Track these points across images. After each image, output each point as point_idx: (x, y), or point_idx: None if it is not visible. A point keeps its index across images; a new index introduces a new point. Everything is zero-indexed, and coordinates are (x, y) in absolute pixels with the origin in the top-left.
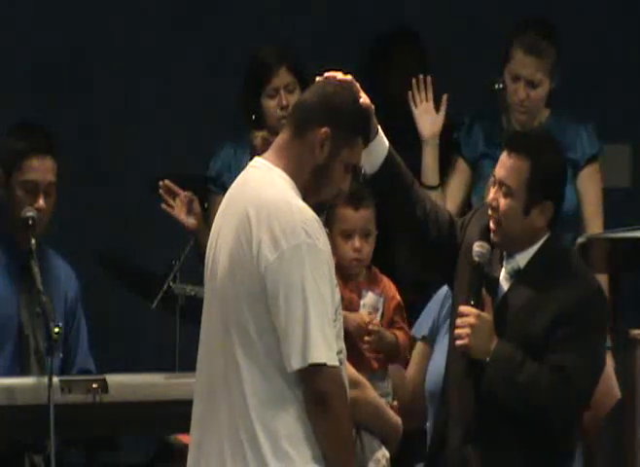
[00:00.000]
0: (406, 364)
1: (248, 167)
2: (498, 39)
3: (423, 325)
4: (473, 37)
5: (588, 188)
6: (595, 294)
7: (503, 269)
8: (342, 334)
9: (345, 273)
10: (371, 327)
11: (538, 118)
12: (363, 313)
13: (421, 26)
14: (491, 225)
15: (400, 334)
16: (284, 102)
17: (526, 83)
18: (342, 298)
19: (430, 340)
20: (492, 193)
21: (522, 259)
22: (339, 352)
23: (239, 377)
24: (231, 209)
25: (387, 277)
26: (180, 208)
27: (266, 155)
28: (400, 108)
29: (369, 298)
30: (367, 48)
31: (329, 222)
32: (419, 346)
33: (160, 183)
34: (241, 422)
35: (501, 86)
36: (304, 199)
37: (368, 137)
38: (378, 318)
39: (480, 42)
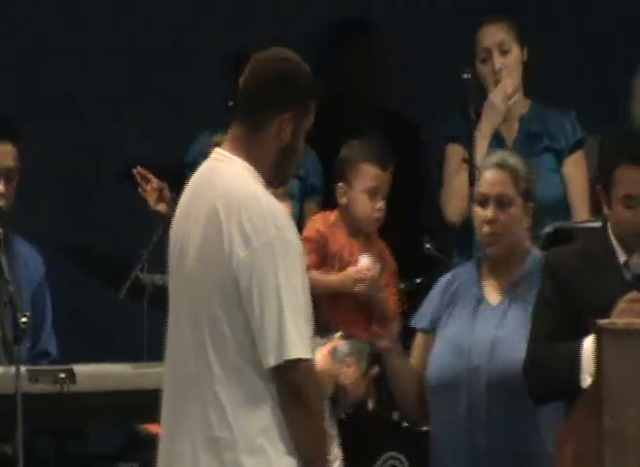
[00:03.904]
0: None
1: (210, 159)
2: (464, 35)
3: (424, 316)
4: (439, 31)
5: (575, 175)
6: None
7: None
8: (312, 318)
9: (356, 230)
10: (364, 276)
11: (520, 109)
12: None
13: (386, 21)
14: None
15: (392, 299)
16: None
17: (497, 51)
18: (341, 257)
19: (431, 331)
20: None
21: None
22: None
23: (211, 374)
24: (197, 203)
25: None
26: (151, 195)
27: (226, 145)
28: (352, 94)
29: (365, 262)
30: (324, 36)
31: (348, 176)
32: (420, 337)
33: (134, 170)
34: (215, 419)
35: (469, 75)
36: (271, 183)
37: (317, 97)
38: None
39: (446, 37)
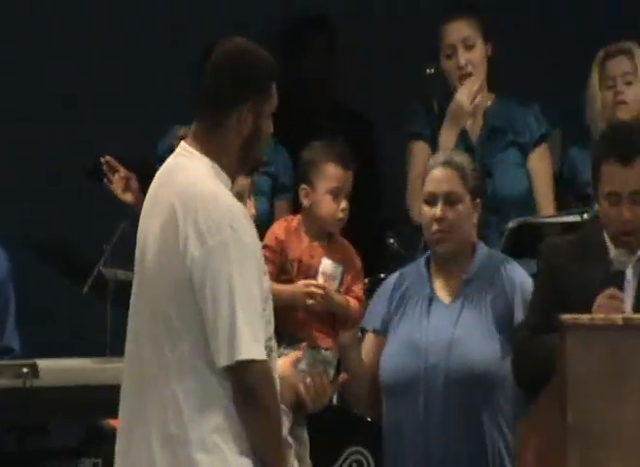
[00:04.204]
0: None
1: (174, 154)
2: (425, 30)
3: (374, 317)
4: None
5: (539, 169)
6: None
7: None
8: (273, 319)
9: (319, 232)
10: (314, 289)
11: (484, 104)
12: (305, 282)
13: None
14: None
15: (353, 301)
16: None
17: (462, 47)
18: (301, 262)
19: (382, 332)
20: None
21: None
22: (269, 339)
23: (167, 372)
24: (158, 200)
25: (349, 242)
26: (118, 185)
27: (189, 140)
28: (313, 91)
29: (326, 265)
30: (279, 32)
31: (311, 177)
32: (370, 338)
33: (102, 159)
34: (171, 416)
35: (432, 71)
36: (238, 174)
37: (276, 76)
38: (336, 286)
39: (406, 33)
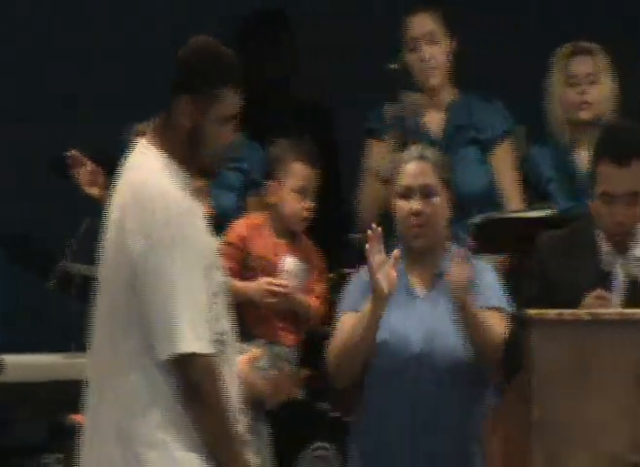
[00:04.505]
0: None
1: (134, 150)
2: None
3: (353, 301)
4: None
5: (504, 165)
6: None
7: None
8: (227, 314)
9: (284, 230)
10: (275, 288)
11: (447, 100)
12: (267, 280)
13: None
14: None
15: (314, 301)
16: None
17: (426, 41)
18: (264, 259)
19: (357, 311)
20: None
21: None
22: (222, 334)
23: (120, 368)
24: (116, 196)
25: (312, 243)
26: (84, 177)
27: (148, 136)
28: (276, 89)
29: (289, 264)
30: (241, 30)
31: (279, 175)
32: (346, 316)
33: (68, 153)
34: (123, 412)
35: (396, 66)
36: (187, 169)
37: (235, 84)
38: (298, 285)
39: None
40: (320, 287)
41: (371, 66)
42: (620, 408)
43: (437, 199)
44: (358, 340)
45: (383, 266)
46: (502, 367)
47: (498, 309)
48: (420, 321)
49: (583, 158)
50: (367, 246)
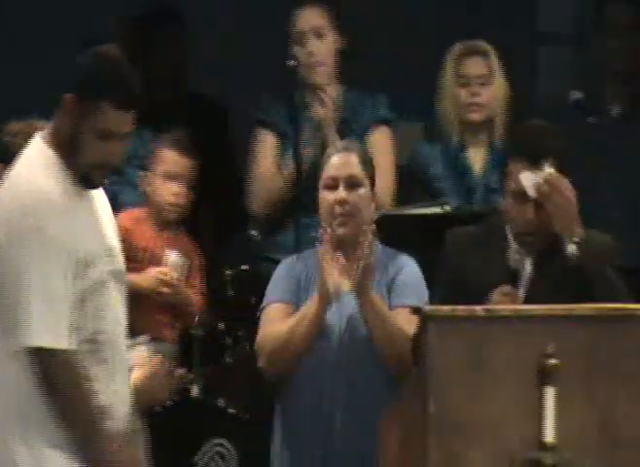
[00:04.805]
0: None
1: (29, 145)
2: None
3: (280, 292)
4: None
5: (375, 150)
6: None
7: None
8: (103, 314)
9: (162, 223)
10: (168, 278)
11: (331, 92)
12: (159, 270)
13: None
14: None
15: (194, 296)
16: None
17: (313, 35)
18: (148, 252)
19: (290, 302)
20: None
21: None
22: (98, 333)
23: None
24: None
25: (192, 240)
26: None
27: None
28: (168, 82)
29: (171, 257)
30: (133, 23)
31: (149, 163)
32: (280, 307)
33: None
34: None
35: (294, 63)
36: (70, 169)
37: (118, 102)
38: (179, 279)
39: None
40: (199, 282)
41: (267, 63)
42: (516, 404)
43: (362, 190)
44: (299, 339)
45: (333, 268)
46: (411, 364)
47: (411, 308)
48: (341, 311)
49: (473, 157)
50: (320, 247)
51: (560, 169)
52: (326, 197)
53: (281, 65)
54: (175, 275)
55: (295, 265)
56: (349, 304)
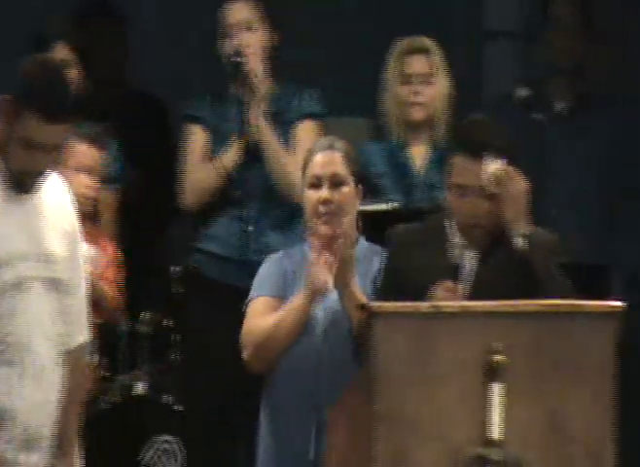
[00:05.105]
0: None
1: None
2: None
3: (267, 286)
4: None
5: (299, 141)
6: None
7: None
8: (15, 316)
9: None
10: None
11: (267, 91)
12: None
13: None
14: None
15: (107, 287)
16: None
17: (242, 29)
18: None
19: (277, 296)
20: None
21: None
22: (9, 335)
23: None
24: None
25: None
26: None
27: None
28: (108, 78)
29: (86, 250)
30: (74, 18)
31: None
32: (267, 301)
33: None
34: None
35: (239, 60)
36: (5, 172)
37: (44, 114)
38: (91, 270)
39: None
40: (112, 273)
41: (205, 58)
42: (463, 400)
43: (346, 189)
44: (284, 334)
45: (323, 263)
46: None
47: (357, 304)
48: (325, 306)
49: (414, 155)
50: (312, 242)
51: (506, 162)
52: (310, 195)
53: (215, 60)
54: (89, 268)
55: (282, 260)
56: (333, 298)
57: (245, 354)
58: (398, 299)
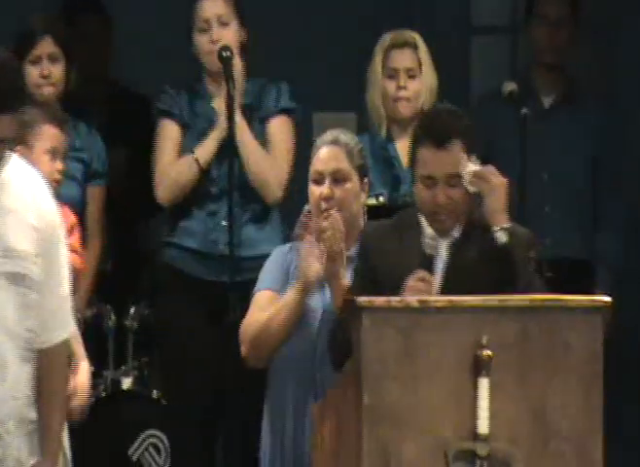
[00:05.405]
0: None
1: None
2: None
3: (271, 279)
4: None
5: (273, 137)
6: None
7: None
8: None
9: None
10: None
11: (240, 86)
12: None
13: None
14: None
15: (72, 256)
16: (45, 72)
17: (216, 23)
18: None
19: (277, 290)
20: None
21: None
22: None
23: None
24: None
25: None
26: None
27: None
28: (91, 73)
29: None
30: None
31: (28, 139)
32: (269, 294)
33: None
34: None
35: (228, 54)
36: None
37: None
38: None
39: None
40: (73, 240)
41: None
42: (450, 395)
43: (349, 185)
44: (277, 327)
45: (312, 254)
46: (330, 351)
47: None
48: (324, 298)
49: (401, 149)
50: (299, 233)
51: (467, 151)
52: (313, 191)
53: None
54: None
55: (287, 254)
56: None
57: (242, 349)
58: (373, 292)
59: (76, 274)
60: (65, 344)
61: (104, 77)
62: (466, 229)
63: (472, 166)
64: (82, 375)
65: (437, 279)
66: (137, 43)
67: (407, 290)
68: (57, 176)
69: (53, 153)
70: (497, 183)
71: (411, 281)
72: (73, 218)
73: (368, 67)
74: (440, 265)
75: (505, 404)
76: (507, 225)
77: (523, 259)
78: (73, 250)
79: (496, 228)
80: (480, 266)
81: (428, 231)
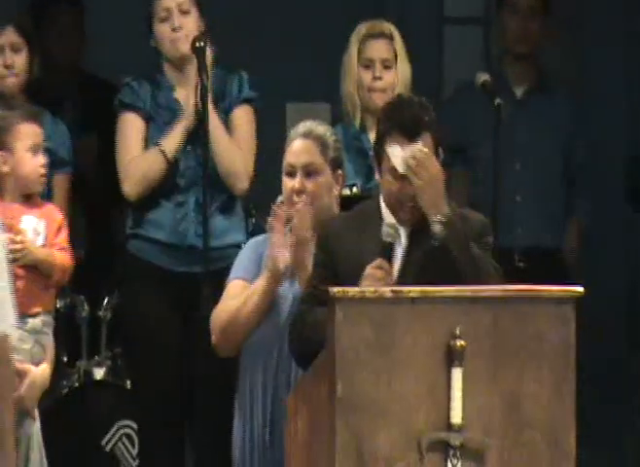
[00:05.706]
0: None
1: None
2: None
3: (243, 269)
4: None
5: (235, 126)
6: None
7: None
8: None
9: (19, 194)
10: (12, 244)
11: (191, 72)
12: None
13: None
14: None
15: (59, 255)
16: (8, 61)
17: (177, 11)
18: (3, 224)
19: (249, 280)
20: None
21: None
22: None
23: None
24: None
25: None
26: None
27: None
28: (63, 64)
29: (27, 222)
30: (29, 6)
31: (8, 141)
32: (238, 283)
33: None
34: None
35: (202, 44)
36: None
37: None
38: (41, 241)
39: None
40: (62, 239)
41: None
42: (423, 385)
43: (321, 178)
44: (246, 316)
45: (283, 244)
46: (291, 343)
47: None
48: (293, 287)
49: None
50: (270, 223)
51: (436, 143)
52: (286, 183)
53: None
54: (35, 240)
55: (260, 244)
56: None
57: (212, 338)
58: (332, 284)
59: (66, 272)
60: (7, 338)
61: (76, 66)
62: (424, 217)
63: (408, 150)
64: (35, 377)
65: (395, 267)
66: (109, 32)
67: (365, 278)
68: (42, 170)
69: (35, 149)
70: (432, 172)
71: (370, 269)
72: (60, 216)
73: (342, 57)
74: (399, 253)
75: (478, 394)
76: (443, 217)
77: (463, 250)
78: (62, 248)
79: (432, 220)
80: (434, 255)
81: (388, 220)
